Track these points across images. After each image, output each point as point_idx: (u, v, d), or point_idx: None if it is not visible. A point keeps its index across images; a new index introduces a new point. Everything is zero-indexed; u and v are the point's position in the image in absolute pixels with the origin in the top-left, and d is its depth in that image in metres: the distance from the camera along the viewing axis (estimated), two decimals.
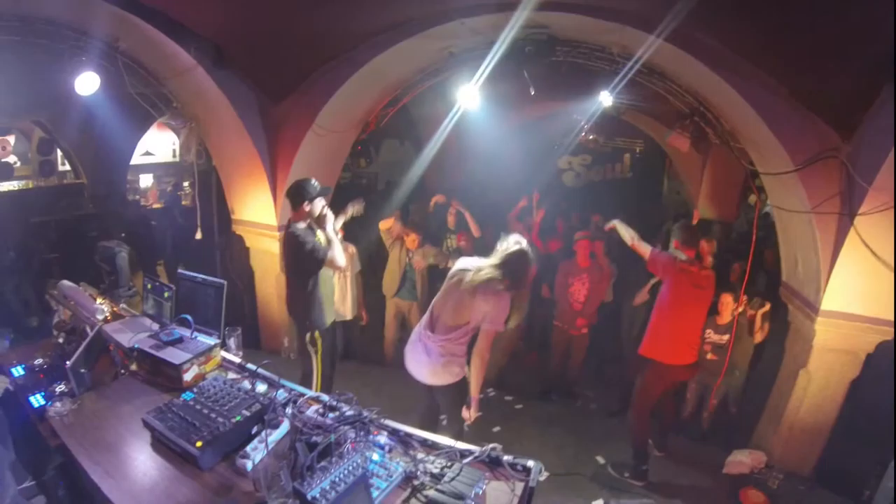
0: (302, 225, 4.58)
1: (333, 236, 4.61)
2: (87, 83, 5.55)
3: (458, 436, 4.44)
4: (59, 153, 10.08)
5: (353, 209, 5.58)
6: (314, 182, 4.62)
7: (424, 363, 4.14)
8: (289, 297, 4.97)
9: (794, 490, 5.11)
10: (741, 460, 5.33)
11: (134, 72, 6.19)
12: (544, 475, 5.00)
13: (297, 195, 4.57)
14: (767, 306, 5.76)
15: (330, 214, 4.68)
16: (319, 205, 4.63)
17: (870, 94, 4.40)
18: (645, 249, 5.03)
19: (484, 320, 3.90)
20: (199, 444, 2.48)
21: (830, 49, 4.26)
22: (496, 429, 5.80)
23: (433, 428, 4.63)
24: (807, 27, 4.25)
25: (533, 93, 5.96)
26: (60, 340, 3.83)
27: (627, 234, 5.13)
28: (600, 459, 5.46)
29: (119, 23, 5.43)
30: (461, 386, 4.15)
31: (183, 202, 11.39)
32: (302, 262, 4.58)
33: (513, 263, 3.87)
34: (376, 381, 6.66)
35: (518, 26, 5.04)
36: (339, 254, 4.58)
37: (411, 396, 5.82)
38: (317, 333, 4.81)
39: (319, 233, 4.65)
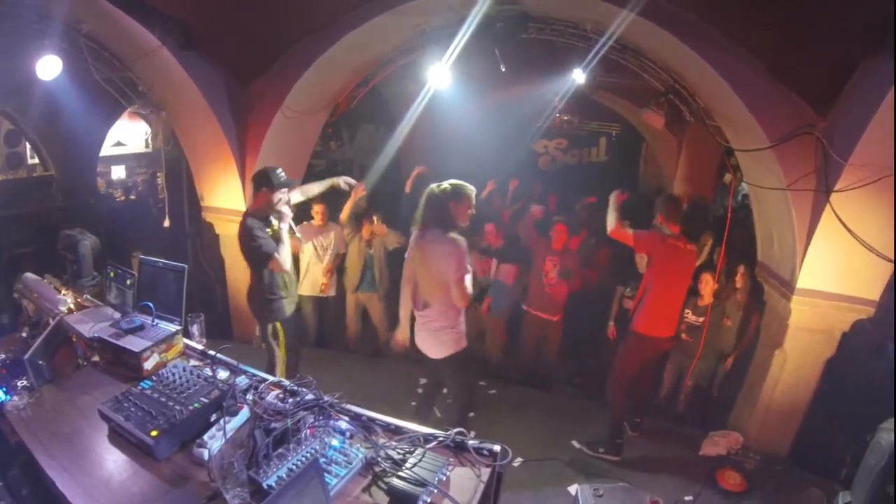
0: (260, 214, 4.51)
1: (286, 237, 4.55)
2: (49, 67, 5.35)
3: (464, 409, 4.56)
4: (28, 145, 9.86)
5: (344, 182, 5.40)
6: (280, 172, 4.52)
7: (427, 339, 4.28)
8: (248, 288, 4.88)
9: (771, 470, 5.11)
10: (717, 441, 5.33)
11: (98, 55, 5.99)
12: (518, 461, 5.00)
13: (261, 182, 4.50)
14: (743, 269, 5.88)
15: (288, 212, 4.60)
16: (280, 196, 4.54)
17: (847, 69, 4.38)
18: (627, 233, 4.94)
19: (449, 274, 4.00)
20: (154, 433, 2.38)
21: (807, 24, 4.23)
22: (471, 414, 5.69)
23: (430, 403, 4.92)
24: (783, 1, 4.22)
25: (503, 69, 5.86)
26: (24, 335, 3.71)
27: (614, 216, 5.03)
28: (576, 444, 5.40)
29: (82, 4, 5.26)
30: (461, 357, 4.27)
31: (161, 195, 11.17)
32: (248, 255, 4.52)
33: (432, 208, 4.05)
34: (345, 369, 6.58)
35: (490, 2, 4.95)
36: (286, 257, 4.49)
37: (381, 384, 5.79)
38: (278, 324, 4.71)
39: (275, 226, 4.55)
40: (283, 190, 4.54)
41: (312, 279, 6.89)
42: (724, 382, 6.18)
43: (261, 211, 4.53)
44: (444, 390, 4.75)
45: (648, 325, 5.01)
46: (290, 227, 4.66)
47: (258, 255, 4.41)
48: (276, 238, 4.49)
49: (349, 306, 7.23)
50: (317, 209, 6.68)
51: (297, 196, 4.95)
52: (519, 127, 12.31)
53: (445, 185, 4.07)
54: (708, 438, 5.41)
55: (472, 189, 4.09)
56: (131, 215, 9.86)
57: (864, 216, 4.50)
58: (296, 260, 5.87)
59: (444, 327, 4.18)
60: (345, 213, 6.49)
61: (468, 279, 4.01)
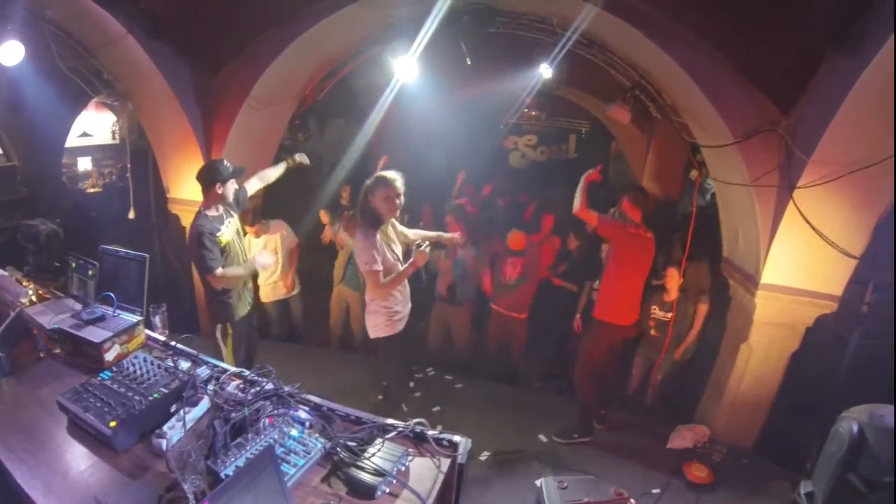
0: (213, 213, 4.40)
1: (238, 247, 4.54)
2: (12, 53, 5.23)
3: (395, 394, 4.80)
4: None
5: (299, 158, 5.22)
6: (226, 162, 4.44)
7: (366, 318, 4.46)
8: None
9: (737, 463, 5.17)
10: (684, 434, 5.38)
11: (63, 42, 5.86)
12: (485, 455, 5.02)
13: (210, 177, 4.36)
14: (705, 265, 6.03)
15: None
16: (232, 188, 4.46)
17: (810, 67, 4.42)
18: (592, 215, 4.94)
19: (360, 266, 4.19)
20: (112, 423, 2.35)
21: (770, 20, 4.28)
22: (436, 408, 5.73)
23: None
24: None
25: (469, 63, 5.86)
26: None
27: (581, 196, 5.01)
28: (543, 438, 5.41)
29: None
30: (386, 343, 4.42)
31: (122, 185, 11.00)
32: (194, 262, 4.44)
33: (360, 206, 4.19)
34: (318, 364, 6.58)
35: None
36: (232, 272, 4.39)
37: (352, 378, 5.77)
38: (228, 325, 4.61)
39: (227, 226, 4.45)
40: (233, 181, 4.46)
41: (270, 287, 6.90)
42: (689, 376, 6.23)
43: (213, 208, 4.42)
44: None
45: (609, 312, 5.10)
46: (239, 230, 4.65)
47: (200, 265, 4.29)
48: (226, 250, 4.41)
49: (333, 298, 7.24)
50: (251, 231, 6.50)
51: (255, 184, 4.86)
52: (488, 122, 12.33)
53: (369, 180, 4.18)
54: (675, 431, 5.46)
55: (393, 177, 4.13)
56: (98, 207, 9.66)
57: (827, 212, 4.56)
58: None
59: (374, 311, 4.33)
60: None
61: (377, 273, 4.10)
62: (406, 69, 5.84)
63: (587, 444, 5.34)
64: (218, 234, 4.32)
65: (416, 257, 4.10)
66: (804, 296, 4.97)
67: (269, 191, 5.11)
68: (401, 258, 4.34)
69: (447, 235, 4.93)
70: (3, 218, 8.13)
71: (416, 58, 5.68)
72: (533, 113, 12.50)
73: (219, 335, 4.60)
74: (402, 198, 4.17)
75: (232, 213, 4.54)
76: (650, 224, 5.11)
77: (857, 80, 3.93)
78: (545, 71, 6.52)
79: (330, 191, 7.85)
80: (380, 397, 5.17)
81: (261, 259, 4.52)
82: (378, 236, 4.13)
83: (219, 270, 4.24)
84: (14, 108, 8.30)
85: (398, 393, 4.84)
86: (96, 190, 11.83)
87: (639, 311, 5.26)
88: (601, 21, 4.85)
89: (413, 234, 4.58)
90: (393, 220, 4.32)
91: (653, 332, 5.99)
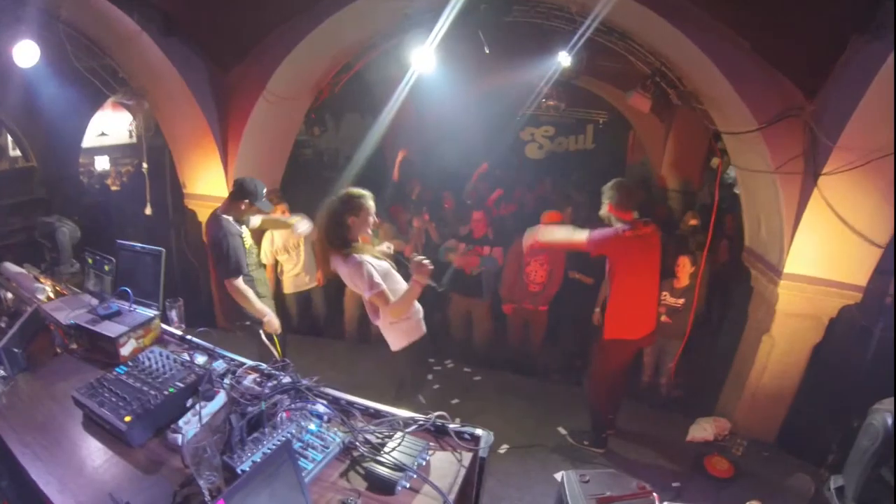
0: (229, 217, 4.47)
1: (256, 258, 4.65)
2: (27, 54, 5.24)
3: (407, 394, 4.58)
4: (10, 138, 9.72)
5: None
6: (261, 186, 4.52)
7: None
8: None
9: (759, 456, 5.11)
10: (704, 427, 5.32)
11: (77, 42, 5.89)
12: (504, 448, 4.97)
13: (245, 192, 4.48)
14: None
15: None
16: (255, 212, 4.61)
17: (835, 50, 4.33)
18: (579, 239, 4.60)
19: (364, 294, 3.82)
20: (127, 418, 2.32)
21: (795, 3, 4.19)
22: (455, 401, 5.71)
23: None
24: None
25: (487, 51, 5.81)
26: (3, 325, 3.64)
27: (560, 234, 4.78)
28: (562, 430, 5.36)
29: None
30: (399, 356, 4.16)
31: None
32: (215, 260, 4.43)
33: (330, 227, 3.78)
34: (334, 356, 6.58)
35: None
36: (249, 295, 4.42)
37: (369, 371, 5.74)
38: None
39: (246, 234, 4.54)
40: (256, 206, 4.56)
41: (292, 279, 6.86)
42: (708, 367, 6.16)
43: (229, 215, 4.50)
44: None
45: (621, 329, 4.73)
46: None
47: (222, 266, 4.35)
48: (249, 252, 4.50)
49: (347, 294, 7.18)
50: (278, 209, 6.40)
51: (255, 221, 4.93)
52: (505, 113, 12.25)
53: (341, 194, 3.80)
54: (695, 424, 5.39)
55: (369, 196, 3.81)
56: (115, 204, 9.72)
57: (853, 200, 4.48)
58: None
59: (392, 324, 4.02)
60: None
61: (382, 294, 3.74)
62: (423, 60, 5.79)
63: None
64: (242, 237, 4.44)
65: (417, 274, 3.69)
66: (828, 286, 4.88)
67: (284, 186, 5.13)
68: (393, 265, 4.04)
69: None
70: (22, 218, 8.20)
71: (433, 49, 5.63)
72: (550, 103, 12.40)
73: (263, 336, 4.61)
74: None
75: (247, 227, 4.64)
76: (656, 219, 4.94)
77: (882, 65, 3.84)
78: (563, 59, 6.43)
79: (346, 182, 7.76)
80: (423, 401, 5.04)
81: (300, 226, 4.79)
82: (357, 256, 3.75)
83: (238, 281, 4.34)
84: (31, 109, 8.35)
85: (415, 389, 4.76)
86: (114, 188, 11.89)
87: (655, 320, 4.93)
88: (621, 7, 4.78)
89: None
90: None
91: (663, 318, 5.76)
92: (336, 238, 3.75)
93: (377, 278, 3.71)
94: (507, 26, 5.65)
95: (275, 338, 4.67)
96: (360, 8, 5.68)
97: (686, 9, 4.64)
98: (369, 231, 3.92)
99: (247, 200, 4.45)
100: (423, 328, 4.15)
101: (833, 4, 4.05)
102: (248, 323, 4.62)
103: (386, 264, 3.94)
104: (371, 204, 3.78)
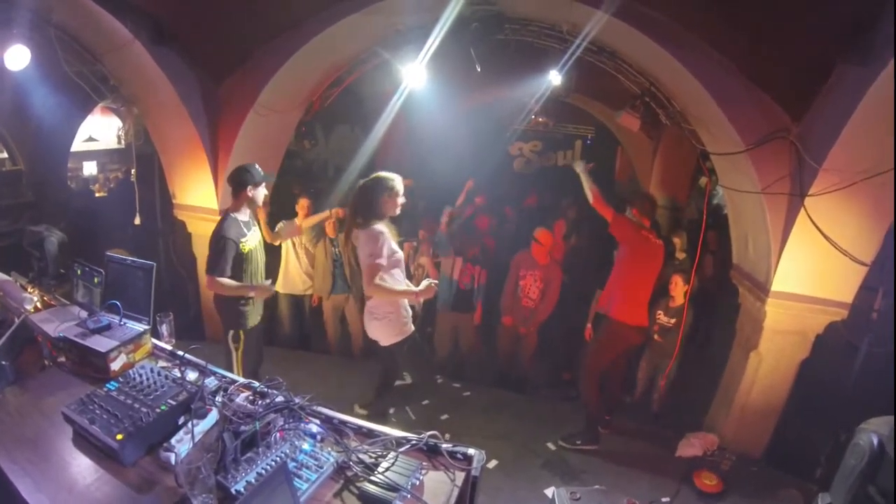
0: (243, 217, 4.44)
1: (257, 256, 4.58)
2: (18, 57, 5.22)
3: (380, 389, 4.83)
4: None
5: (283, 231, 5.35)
6: (258, 167, 4.47)
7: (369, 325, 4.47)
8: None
9: (747, 471, 5.13)
10: (693, 442, 5.34)
11: (68, 47, 5.87)
12: (493, 463, 4.97)
13: (242, 180, 4.40)
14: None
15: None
16: (262, 192, 4.49)
17: (821, 73, 4.39)
18: (609, 209, 4.94)
19: (362, 259, 4.13)
20: (119, 436, 2.28)
21: (781, 27, 4.25)
22: (444, 416, 5.69)
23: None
24: (759, 4, 4.23)
25: (479, 69, 5.84)
26: None
27: (590, 187, 5.04)
28: (551, 446, 5.36)
29: None
30: (385, 350, 4.47)
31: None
32: (210, 256, 4.37)
33: (364, 202, 4.11)
34: (323, 370, 6.55)
35: (464, 2, 4.92)
36: (229, 284, 4.35)
37: (358, 385, 5.73)
38: (240, 332, 4.59)
39: (253, 233, 4.50)
40: (263, 185, 4.51)
41: (289, 278, 6.83)
42: (697, 384, 6.20)
43: (243, 212, 4.47)
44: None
45: (624, 312, 5.02)
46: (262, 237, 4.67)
47: (209, 262, 4.33)
48: (248, 258, 4.45)
49: (326, 310, 7.11)
50: (302, 203, 6.59)
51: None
52: (494, 129, 12.37)
53: (373, 176, 4.15)
54: (684, 439, 5.42)
55: (399, 179, 4.15)
56: (103, 211, 9.65)
57: (838, 220, 4.54)
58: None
59: (383, 317, 4.33)
60: (308, 222, 6.43)
61: (379, 267, 4.05)
62: (414, 76, 5.84)
63: (595, 451, 5.29)
64: (243, 241, 4.37)
65: (424, 290, 4.13)
66: (815, 303, 4.94)
67: (275, 196, 5.11)
68: (402, 261, 4.33)
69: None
70: (9, 221, 8.15)
71: (424, 65, 5.66)
72: (539, 119, 12.52)
73: (230, 340, 4.58)
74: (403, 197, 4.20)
75: (257, 221, 4.60)
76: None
77: (868, 89, 3.91)
78: (554, 78, 6.49)
79: (335, 194, 7.75)
80: (413, 417, 5.14)
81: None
82: (386, 229, 4.12)
83: (221, 278, 4.27)
84: (20, 112, 8.32)
85: (387, 397, 4.85)
86: (100, 195, 11.80)
87: (647, 315, 5.23)
88: (611, 28, 4.84)
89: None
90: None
91: (657, 337, 6.00)
92: (366, 213, 4.09)
93: (386, 252, 4.04)
94: (498, 44, 5.69)
95: (239, 353, 4.63)
96: (353, 23, 5.68)
97: (675, 30, 4.70)
98: (397, 211, 4.21)
99: (249, 186, 4.38)
100: (411, 327, 4.43)
101: (820, 29, 4.11)
102: (240, 330, 4.59)
103: (401, 255, 4.29)
104: (400, 186, 4.12)
